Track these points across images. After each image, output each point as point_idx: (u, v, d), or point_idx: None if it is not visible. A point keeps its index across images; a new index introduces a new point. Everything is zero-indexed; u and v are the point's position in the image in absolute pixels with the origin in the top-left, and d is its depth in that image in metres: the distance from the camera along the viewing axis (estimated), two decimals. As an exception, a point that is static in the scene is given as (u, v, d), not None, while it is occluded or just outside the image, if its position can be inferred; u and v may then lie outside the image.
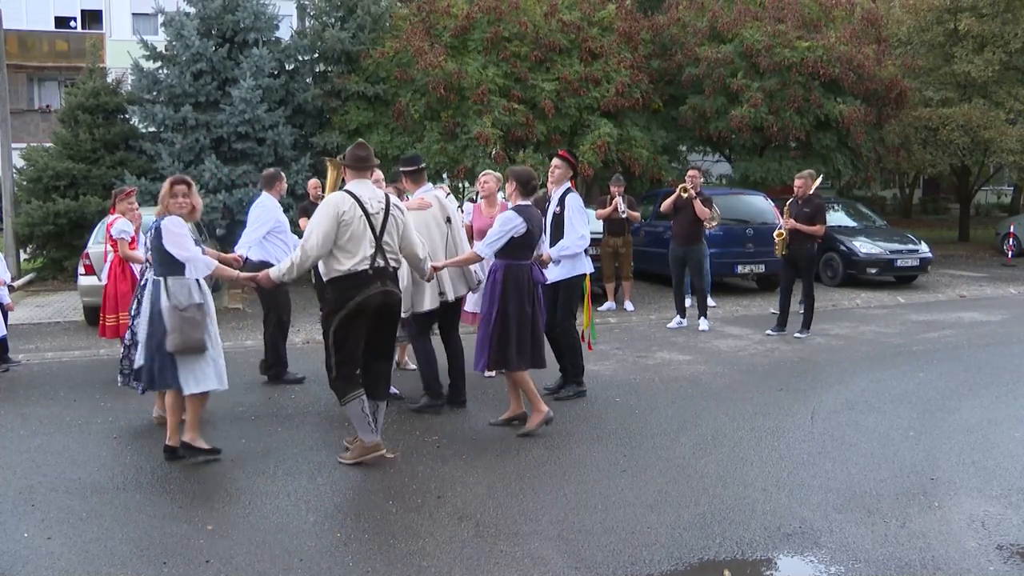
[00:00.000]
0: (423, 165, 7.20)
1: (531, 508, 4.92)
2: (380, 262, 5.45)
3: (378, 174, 7.44)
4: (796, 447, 6.00)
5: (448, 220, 6.91)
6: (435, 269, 6.29)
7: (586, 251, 7.24)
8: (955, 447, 5.98)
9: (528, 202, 6.34)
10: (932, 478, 5.38)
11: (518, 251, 6.20)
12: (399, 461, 5.74)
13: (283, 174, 8.48)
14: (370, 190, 5.57)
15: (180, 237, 5.56)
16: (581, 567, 4.17)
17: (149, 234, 5.88)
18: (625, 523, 4.69)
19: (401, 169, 7.11)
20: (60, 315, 12.52)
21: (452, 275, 6.75)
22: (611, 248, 12.27)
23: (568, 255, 7.05)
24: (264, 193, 8.13)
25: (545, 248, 6.91)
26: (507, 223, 6.15)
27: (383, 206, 5.52)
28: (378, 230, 5.45)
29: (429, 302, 6.70)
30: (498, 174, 7.98)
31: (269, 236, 7.92)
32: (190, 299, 5.56)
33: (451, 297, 6.78)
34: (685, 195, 10.70)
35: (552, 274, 7.01)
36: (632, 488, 5.22)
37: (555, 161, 7.21)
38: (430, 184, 7.19)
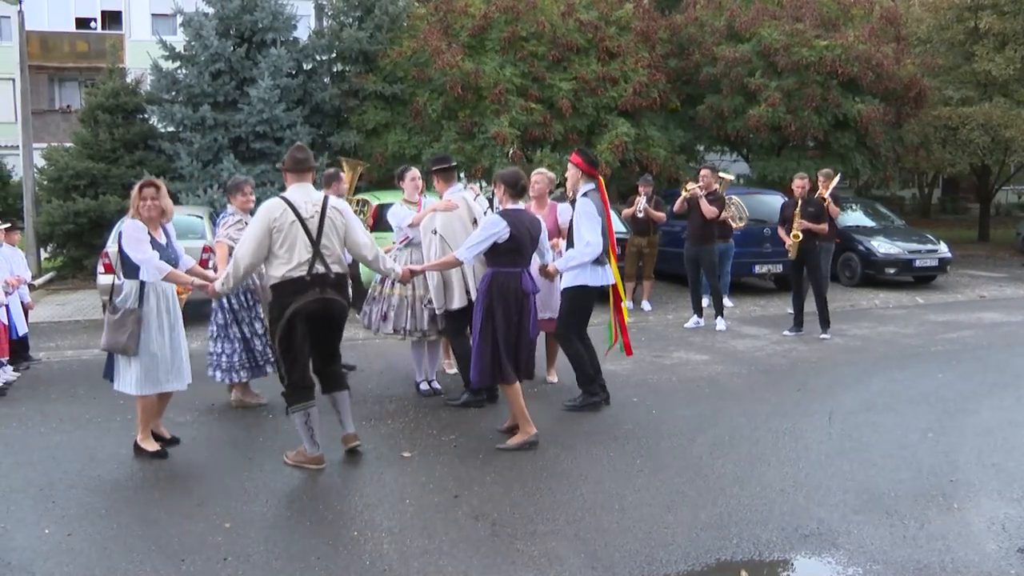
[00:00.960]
0: (454, 164, 7.14)
1: (547, 507, 4.92)
2: (319, 268, 5.35)
3: (414, 172, 7.47)
4: (814, 448, 5.97)
5: (475, 221, 6.85)
6: (413, 272, 6.21)
7: (599, 258, 6.70)
8: (974, 449, 5.94)
9: (519, 206, 6.06)
10: (951, 480, 5.34)
11: (504, 258, 5.88)
12: (416, 459, 5.76)
13: (342, 175, 8.26)
14: (305, 193, 5.44)
15: (137, 241, 5.62)
16: (598, 567, 4.17)
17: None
18: (642, 523, 4.68)
19: (432, 168, 7.10)
20: (80, 313, 12.62)
21: (479, 273, 6.63)
22: (636, 248, 12.28)
23: (574, 265, 6.63)
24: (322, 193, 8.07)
25: (548, 258, 6.59)
26: (489, 228, 5.88)
27: (318, 209, 5.40)
28: (314, 234, 5.34)
29: (459, 300, 6.72)
30: (551, 174, 7.61)
31: None
32: (125, 304, 5.70)
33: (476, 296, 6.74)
34: (687, 194, 10.76)
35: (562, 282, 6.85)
36: (649, 488, 5.21)
37: (569, 165, 6.96)
38: (460, 184, 7.13)
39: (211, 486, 5.33)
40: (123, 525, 4.73)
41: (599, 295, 6.93)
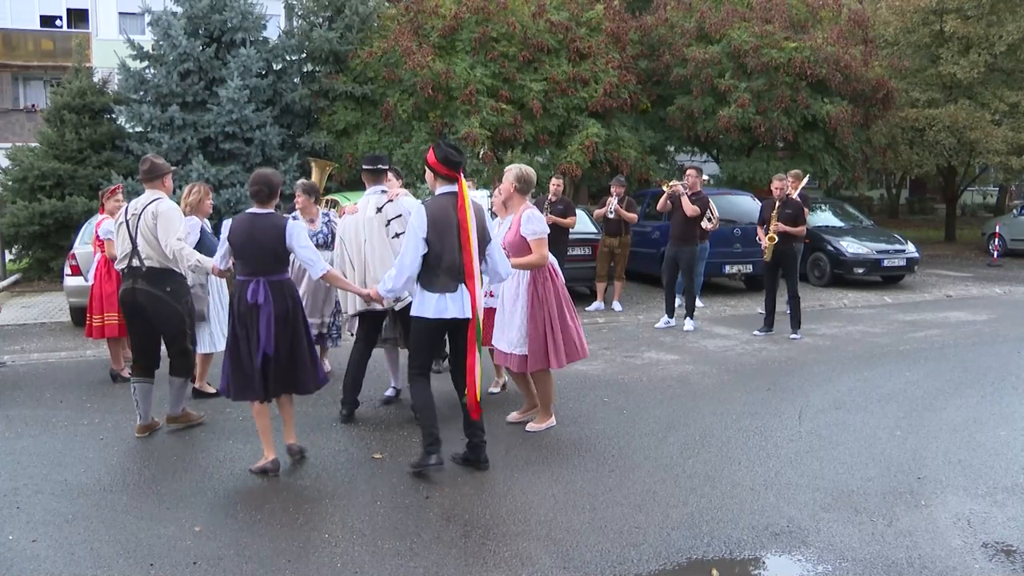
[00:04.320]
0: (382, 167, 6.66)
1: (519, 508, 4.92)
2: (135, 262, 6.11)
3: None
4: (784, 446, 6.02)
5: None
6: (219, 273, 5.88)
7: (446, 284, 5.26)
8: (941, 446, 6.01)
9: (263, 210, 5.44)
10: (919, 477, 5.41)
11: (239, 267, 5.52)
12: (387, 461, 5.73)
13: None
14: (144, 198, 6.15)
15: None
16: (569, 567, 4.17)
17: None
18: (613, 523, 4.69)
19: (361, 167, 6.87)
20: (46, 316, 12.45)
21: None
22: (607, 248, 12.31)
23: (388, 290, 5.42)
24: None
25: (317, 270, 5.58)
26: (220, 234, 5.58)
27: (138, 212, 6.09)
28: (132, 234, 6.11)
29: (353, 306, 6.61)
30: (517, 172, 6.36)
31: None
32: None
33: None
34: (668, 189, 10.76)
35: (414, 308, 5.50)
36: (620, 488, 5.23)
37: None
38: (381, 187, 6.60)
39: (180, 490, 5.27)
40: (90, 530, 4.67)
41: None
